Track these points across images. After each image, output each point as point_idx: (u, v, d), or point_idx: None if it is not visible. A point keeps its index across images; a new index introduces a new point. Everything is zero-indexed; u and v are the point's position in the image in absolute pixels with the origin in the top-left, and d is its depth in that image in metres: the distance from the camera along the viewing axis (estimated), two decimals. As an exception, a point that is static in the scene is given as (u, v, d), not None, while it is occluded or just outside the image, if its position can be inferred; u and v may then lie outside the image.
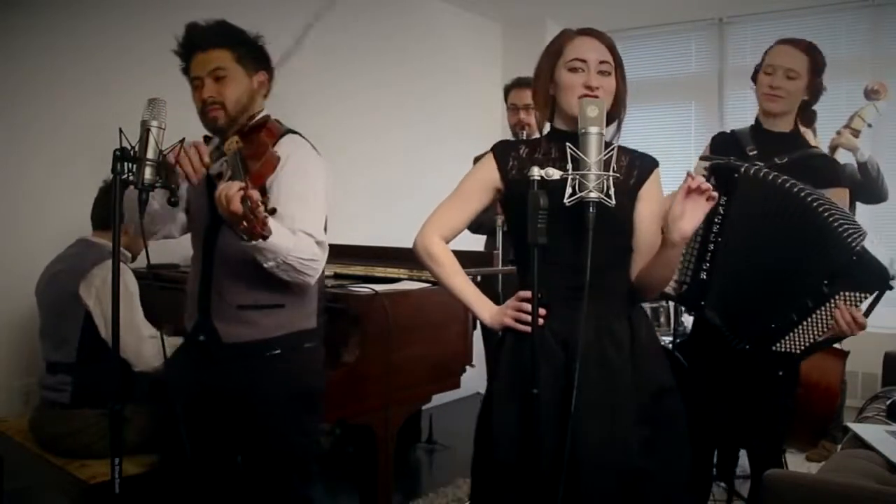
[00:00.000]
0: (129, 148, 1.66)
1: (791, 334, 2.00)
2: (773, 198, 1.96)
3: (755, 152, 2.14)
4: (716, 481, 3.19)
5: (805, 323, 1.98)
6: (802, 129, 3.40)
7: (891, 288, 1.93)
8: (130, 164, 1.67)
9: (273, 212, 1.65)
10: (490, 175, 1.78)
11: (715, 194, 1.60)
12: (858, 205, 3.81)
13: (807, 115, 2.24)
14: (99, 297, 2.42)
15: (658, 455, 1.69)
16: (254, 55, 1.97)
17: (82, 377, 2.43)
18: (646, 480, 1.67)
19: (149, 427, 2.42)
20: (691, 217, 1.59)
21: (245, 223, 1.61)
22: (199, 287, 1.96)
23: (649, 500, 1.67)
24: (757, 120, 2.24)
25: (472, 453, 1.82)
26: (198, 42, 1.92)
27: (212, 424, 1.96)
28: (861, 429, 2.27)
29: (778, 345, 2.01)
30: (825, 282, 1.93)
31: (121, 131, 1.66)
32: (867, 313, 1.97)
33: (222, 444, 1.97)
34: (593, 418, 1.64)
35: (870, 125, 3.29)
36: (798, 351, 2.00)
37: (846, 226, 1.91)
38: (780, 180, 1.96)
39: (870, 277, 1.91)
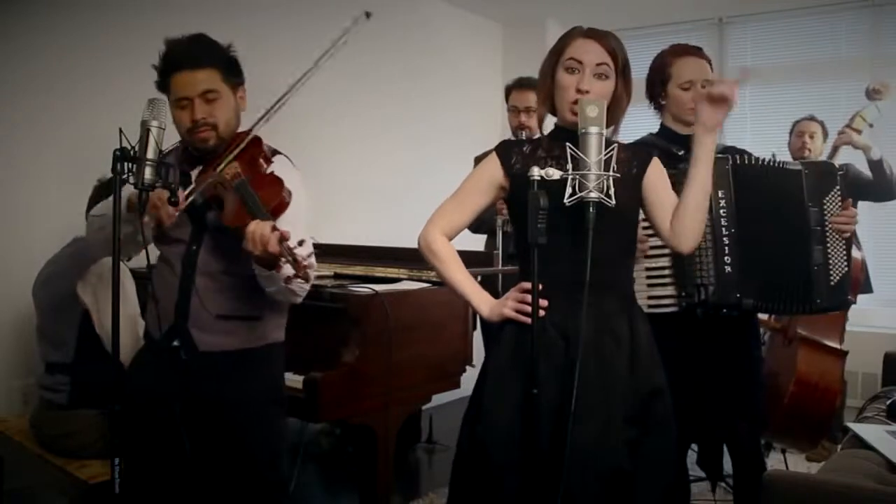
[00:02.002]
0: (129, 148, 1.66)
1: (830, 261, 2.18)
2: (771, 177, 2.20)
3: (682, 152, 2.19)
4: (705, 480, 3.21)
5: (829, 244, 2.19)
6: (812, 131, 3.72)
7: (841, 172, 2.24)
8: (130, 164, 1.67)
9: (311, 254, 1.66)
10: (493, 173, 1.80)
11: (734, 98, 1.73)
12: (863, 203, 3.81)
13: None
14: (96, 294, 2.42)
15: (644, 458, 1.68)
16: (234, 71, 1.93)
17: (80, 377, 2.43)
18: (630, 483, 1.65)
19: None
20: (714, 112, 1.73)
21: (283, 264, 1.62)
22: (179, 294, 1.93)
23: (633, 498, 1.66)
24: (666, 127, 2.37)
25: (459, 445, 1.80)
26: (183, 60, 1.86)
27: (181, 428, 1.91)
28: (861, 429, 2.27)
29: (831, 278, 2.18)
30: (809, 205, 2.18)
31: (121, 131, 1.66)
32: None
33: (194, 450, 1.92)
34: (586, 416, 1.63)
35: (871, 125, 3.30)
36: (846, 268, 2.20)
37: (791, 162, 2.28)
38: (765, 162, 2.21)
39: (822, 175, 2.21)
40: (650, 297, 2.17)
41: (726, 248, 2.12)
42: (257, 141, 1.92)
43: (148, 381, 1.95)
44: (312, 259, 1.76)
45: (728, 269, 2.12)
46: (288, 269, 1.70)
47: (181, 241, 1.94)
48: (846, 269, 2.19)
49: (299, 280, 1.65)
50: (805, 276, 2.16)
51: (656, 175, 1.81)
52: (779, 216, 2.16)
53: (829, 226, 2.17)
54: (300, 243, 1.62)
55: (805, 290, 2.17)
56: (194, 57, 1.86)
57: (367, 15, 1.92)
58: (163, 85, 1.89)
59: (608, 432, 1.65)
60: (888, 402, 2.56)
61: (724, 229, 2.13)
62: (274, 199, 1.77)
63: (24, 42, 3.15)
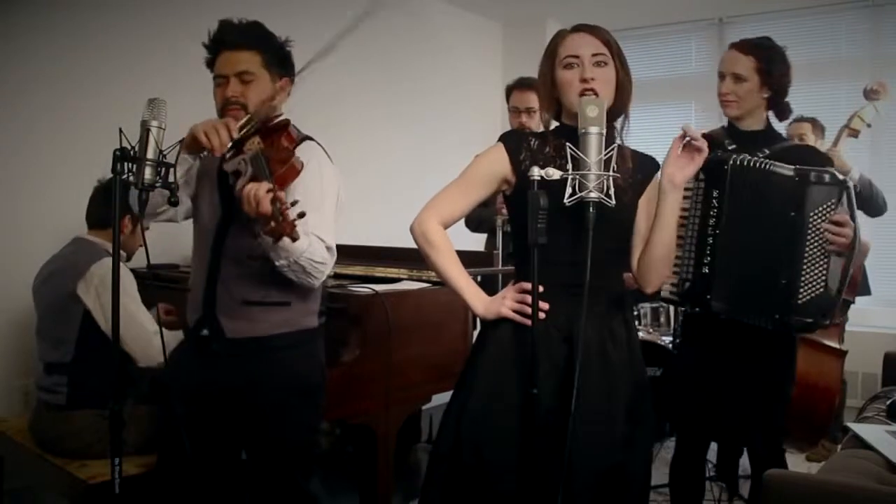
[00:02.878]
0: (129, 148, 1.66)
1: (804, 277, 2.00)
2: (761, 181, 2.05)
3: (734, 146, 2.19)
4: (717, 481, 3.21)
5: (805, 261, 2.00)
6: (800, 133, 3.49)
7: (850, 186, 2.01)
8: (130, 164, 1.67)
9: (302, 215, 1.65)
10: (500, 165, 1.77)
11: (704, 148, 1.69)
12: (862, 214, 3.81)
13: (779, 109, 2.26)
14: (98, 294, 2.41)
15: (634, 449, 1.72)
16: (281, 61, 1.98)
17: (79, 378, 2.43)
18: (622, 473, 1.69)
19: (149, 427, 2.42)
20: (683, 167, 1.69)
21: (273, 223, 1.62)
22: (205, 282, 1.97)
23: (623, 492, 1.69)
24: (730, 122, 2.30)
25: (439, 444, 1.78)
26: (228, 40, 1.93)
27: (214, 419, 1.96)
28: (861, 429, 2.27)
29: (800, 296, 2.00)
30: (791, 214, 2.00)
31: (121, 131, 1.66)
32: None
33: (225, 438, 1.98)
34: (591, 417, 1.64)
35: (869, 125, 3.30)
36: (822, 289, 2.00)
37: (785, 166, 2.04)
38: (765, 165, 2.05)
39: (820, 188, 1.99)
40: (673, 285, 2.19)
41: (708, 248, 2.11)
42: (285, 123, 1.96)
43: (182, 373, 1.99)
44: (315, 240, 1.79)
45: (706, 269, 2.10)
46: (298, 245, 1.73)
47: (209, 229, 1.98)
48: (821, 289, 2.00)
49: (286, 239, 1.66)
50: (770, 288, 2.03)
51: (650, 196, 1.81)
52: (761, 222, 2.06)
53: (812, 239, 2.00)
54: (292, 204, 1.63)
55: (768, 303, 2.05)
56: (238, 38, 1.93)
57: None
58: (210, 63, 1.97)
59: (610, 431, 1.67)
60: (888, 402, 2.56)
61: (710, 229, 2.11)
62: (281, 166, 1.77)
63: (24, 42, 3.15)
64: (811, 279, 2.00)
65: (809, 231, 2.00)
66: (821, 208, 1.99)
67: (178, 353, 2.09)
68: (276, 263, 1.80)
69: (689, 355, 2.33)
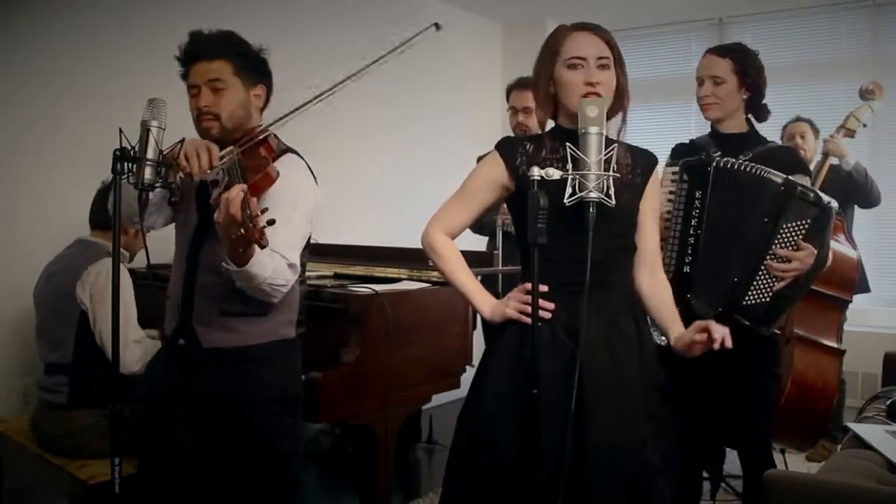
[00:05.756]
0: (129, 148, 1.66)
1: (755, 283, 2.05)
2: (746, 184, 2.09)
3: (719, 153, 2.21)
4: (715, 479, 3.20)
5: (762, 268, 2.05)
6: (801, 131, 3.54)
7: (829, 213, 2.02)
8: (130, 164, 1.67)
9: (272, 222, 1.61)
10: (497, 173, 1.79)
11: (717, 343, 1.65)
12: (859, 209, 3.82)
13: (757, 111, 2.30)
14: (92, 294, 2.42)
15: (661, 450, 1.70)
16: (254, 68, 1.97)
17: (79, 378, 2.43)
18: (651, 473, 1.67)
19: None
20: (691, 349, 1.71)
21: (243, 230, 1.58)
22: (182, 291, 1.95)
23: (653, 493, 1.68)
24: (712, 127, 2.35)
25: (456, 446, 1.79)
26: (199, 50, 1.91)
27: (190, 429, 1.92)
28: (861, 429, 2.27)
29: (747, 297, 2.06)
30: (765, 220, 2.04)
31: (121, 131, 1.66)
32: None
33: (202, 449, 1.93)
34: (604, 415, 1.64)
35: (865, 125, 3.31)
36: (767, 299, 2.04)
37: (776, 173, 2.07)
38: (755, 169, 2.09)
39: (800, 204, 2.03)
40: None
41: (689, 248, 2.13)
42: (264, 135, 1.93)
43: (158, 381, 1.97)
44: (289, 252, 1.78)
45: (686, 269, 2.13)
46: (261, 272, 1.72)
47: (186, 238, 1.96)
48: (767, 298, 2.04)
49: (251, 268, 1.65)
50: (722, 282, 2.09)
51: (651, 191, 1.82)
52: (737, 222, 2.09)
53: (773, 250, 2.04)
54: (263, 211, 1.59)
55: (715, 295, 2.09)
56: (209, 48, 1.91)
57: (437, 26, 1.94)
58: (185, 75, 1.95)
59: (628, 430, 1.66)
60: (888, 402, 2.57)
61: (692, 229, 2.13)
62: (256, 174, 1.76)
63: (24, 42, 3.15)
64: (762, 286, 2.05)
65: (776, 241, 2.04)
66: (794, 224, 2.03)
67: (156, 360, 2.07)
68: (237, 285, 1.79)
69: (674, 359, 2.33)
